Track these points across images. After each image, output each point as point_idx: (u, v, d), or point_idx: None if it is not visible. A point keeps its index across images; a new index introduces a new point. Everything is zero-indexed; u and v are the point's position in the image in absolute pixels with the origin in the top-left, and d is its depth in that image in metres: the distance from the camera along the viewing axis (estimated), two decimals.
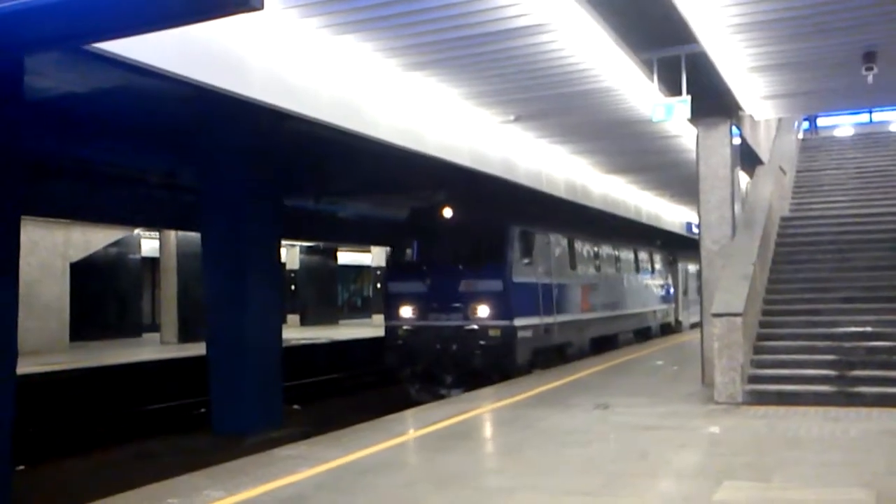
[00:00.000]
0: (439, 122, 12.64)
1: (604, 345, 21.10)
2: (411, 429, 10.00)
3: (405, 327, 16.58)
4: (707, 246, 13.98)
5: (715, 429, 9.78)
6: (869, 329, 12.34)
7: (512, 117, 13.57)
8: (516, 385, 14.21)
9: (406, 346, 16.55)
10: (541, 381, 14.68)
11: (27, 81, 7.83)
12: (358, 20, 9.01)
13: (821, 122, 27.36)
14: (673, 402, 11.82)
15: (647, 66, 11.23)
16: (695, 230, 20.41)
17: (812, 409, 10.74)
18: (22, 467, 12.18)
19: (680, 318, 30.17)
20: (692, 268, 30.52)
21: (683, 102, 11.36)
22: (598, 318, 20.91)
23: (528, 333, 16.39)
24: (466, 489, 7.11)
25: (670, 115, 11.53)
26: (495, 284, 15.98)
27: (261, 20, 8.64)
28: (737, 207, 14.36)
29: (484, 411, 11.37)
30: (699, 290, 30.22)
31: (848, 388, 11.27)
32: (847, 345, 12.05)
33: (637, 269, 25.24)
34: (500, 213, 17.00)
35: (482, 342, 15.80)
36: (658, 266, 28.01)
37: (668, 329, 28.58)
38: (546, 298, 17.35)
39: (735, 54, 11.24)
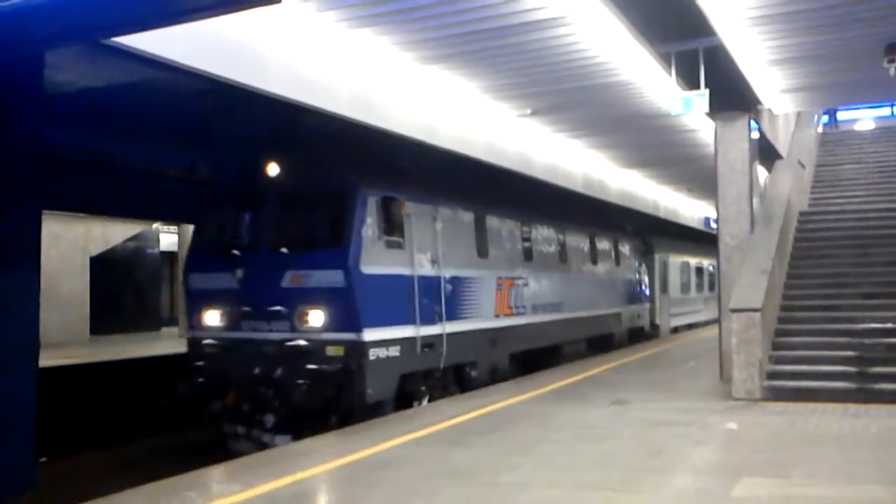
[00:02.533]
0: (456, 115, 12.63)
1: (537, 360, 16.08)
2: (427, 424, 10.00)
3: (209, 341, 11.65)
4: (725, 241, 13.90)
5: (733, 425, 9.72)
6: (890, 325, 12.23)
7: (529, 111, 13.52)
8: (531, 381, 14.18)
9: (209, 369, 11.48)
10: (556, 377, 14.65)
11: (47, 76, 7.85)
12: (375, 14, 9.00)
13: (841, 115, 27.12)
14: (690, 398, 11.77)
15: (665, 59, 11.15)
16: (713, 225, 20.30)
17: (831, 406, 10.65)
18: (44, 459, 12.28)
19: (657, 322, 24.88)
20: (676, 259, 27.25)
21: (702, 96, 11.28)
22: (525, 324, 15.59)
23: (392, 351, 11.23)
24: (482, 485, 7.10)
25: (688, 109, 11.45)
26: (333, 277, 10.77)
27: (278, 14, 8.65)
28: (755, 202, 14.26)
29: (499, 407, 11.35)
30: (686, 287, 28.18)
31: (868, 385, 11.18)
32: (867, 341, 11.95)
33: (594, 260, 19.85)
34: (352, 168, 11.76)
35: (313, 367, 10.66)
36: (627, 257, 22.77)
37: (639, 335, 23.16)
38: (428, 298, 12.18)
39: (754, 47, 11.15)
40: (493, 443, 8.87)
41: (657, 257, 25.06)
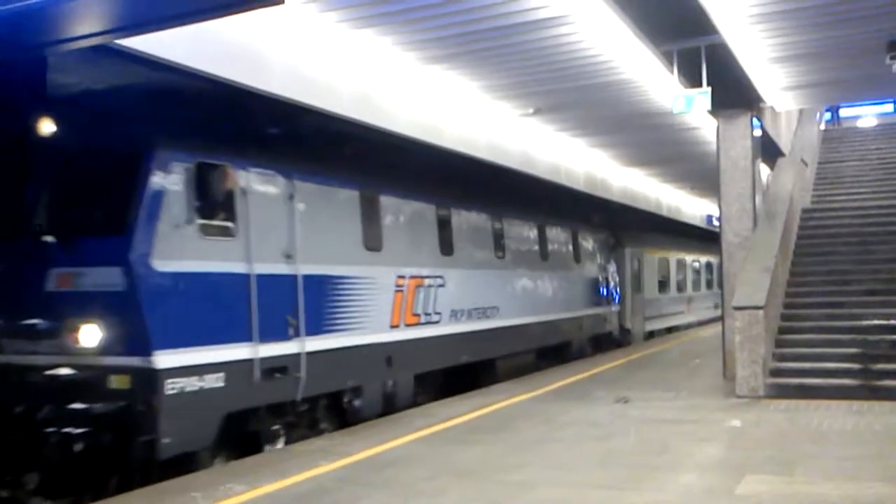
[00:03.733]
0: (458, 115, 12.62)
1: (460, 380, 13.11)
2: (432, 423, 10.02)
3: None
4: (728, 238, 13.90)
5: (737, 422, 9.73)
6: (893, 322, 12.23)
7: (531, 110, 13.51)
8: (536, 379, 14.19)
9: None
10: (560, 375, 14.66)
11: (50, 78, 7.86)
12: (377, 14, 9.00)
13: (843, 112, 27.07)
14: (694, 396, 11.77)
15: (668, 57, 11.15)
16: (715, 223, 20.22)
17: (835, 403, 10.66)
18: None
19: (628, 326, 21.93)
20: (652, 256, 24.31)
21: (704, 94, 11.27)
22: (439, 336, 12.40)
23: (210, 381, 8.21)
24: (488, 483, 7.12)
25: (691, 107, 11.45)
26: (110, 277, 7.78)
27: (281, 15, 8.66)
28: (758, 199, 14.26)
29: (504, 405, 11.36)
30: (665, 286, 25.35)
31: (872, 382, 11.18)
32: (871, 338, 11.95)
33: (544, 255, 16.79)
34: (153, 122, 8.76)
35: (80, 406, 7.74)
36: (589, 252, 19.64)
37: (606, 342, 20.29)
38: (276, 305, 9.05)
39: (755, 45, 11.14)
40: (498, 441, 8.88)
41: (628, 253, 22.18)
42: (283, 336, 9.11)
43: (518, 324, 15.12)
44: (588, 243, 19.71)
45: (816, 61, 12.11)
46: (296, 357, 9.24)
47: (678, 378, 13.93)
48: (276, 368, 8.96)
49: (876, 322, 12.31)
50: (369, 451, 8.43)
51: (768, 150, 16.25)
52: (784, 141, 17.35)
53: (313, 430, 9.71)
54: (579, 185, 18.06)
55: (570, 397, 11.95)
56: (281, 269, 9.20)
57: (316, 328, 9.63)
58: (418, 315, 11.96)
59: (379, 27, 9.38)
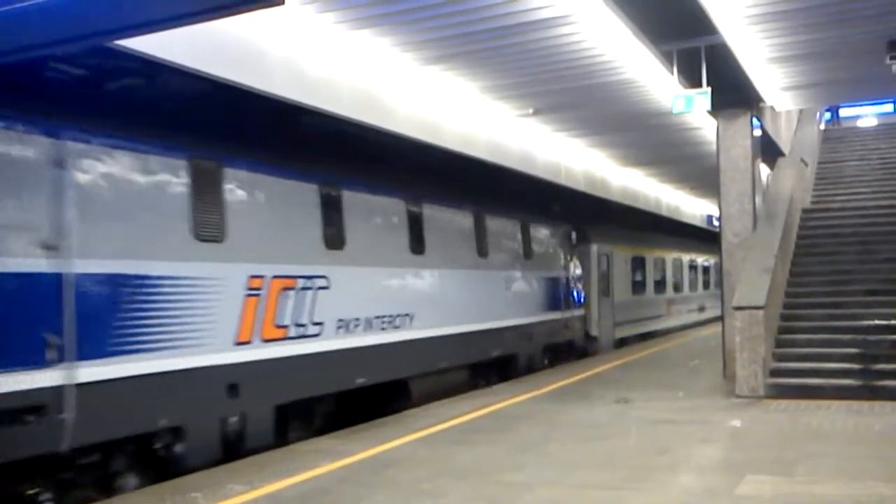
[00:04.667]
0: (457, 115, 12.61)
1: (353, 410, 10.64)
2: (432, 424, 10.01)
3: None
4: (728, 238, 13.90)
5: (737, 422, 9.73)
6: (894, 322, 12.21)
7: (531, 111, 13.51)
8: (536, 380, 14.19)
9: None
10: (561, 375, 14.66)
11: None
12: (373, 15, 9.00)
13: (843, 112, 27.08)
14: (694, 396, 11.77)
15: (667, 57, 11.15)
16: (715, 223, 20.17)
17: (835, 403, 10.65)
18: None
19: (594, 333, 19.37)
20: (625, 253, 21.92)
21: (704, 94, 11.28)
22: (316, 354, 9.77)
23: None
24: (488, 484, 7.11)
25: (691, 107, 11.46)
26: None
27: (279, 16, 8.66)
28: (758, 199, 14.26)
29: (504, 406, 11.36)
30: (641, 287, 22.91)
31: (872, 382, 11.17)
32: (871, 338, 11.94)
33: (481, 250, 14.11)
34: None
35: None
36: (545, 248, 17.09)
37: (565, 352, 17.66)
38: (22, 318, 6.60)
39: (755, 45, 11.14)
40: (498, 442, 8.88)
41: (595, 250, 19.64)
42: (33, 362, 6.47)
43: (441, 335, 12.44)
44: (543, 237, 16.99)
45: (816, 61, 12.11)
46: (57, 391, 6.62)
47: (678, 378, 13.93)
48: (21, 409, 6.40)
49: (876, 322, 12.30)
50: (369, 452, 8.43)
51: (768, 150, 16.26)
52: (784, 141, 17.36)
53: (108, 488, 7.32)
54: (579, 185, 18.04)
55: (570, 398, 11.95)
56: (33, 265, 6.60)
57: (100, 349, 7.06)
58: (284, 327, 9.22)
59: (375, 28, 9.38)
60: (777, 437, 8.84)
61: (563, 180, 17.04)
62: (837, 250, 14.85)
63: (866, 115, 27.16)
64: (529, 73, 11.37)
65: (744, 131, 13.85)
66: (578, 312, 18.54)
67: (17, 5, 4.33)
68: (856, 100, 22.24)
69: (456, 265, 13.28)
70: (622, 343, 21.07)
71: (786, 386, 11.41)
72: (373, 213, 11.21)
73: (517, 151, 14.77)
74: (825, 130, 23.92)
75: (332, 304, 10.05)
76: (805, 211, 16.78)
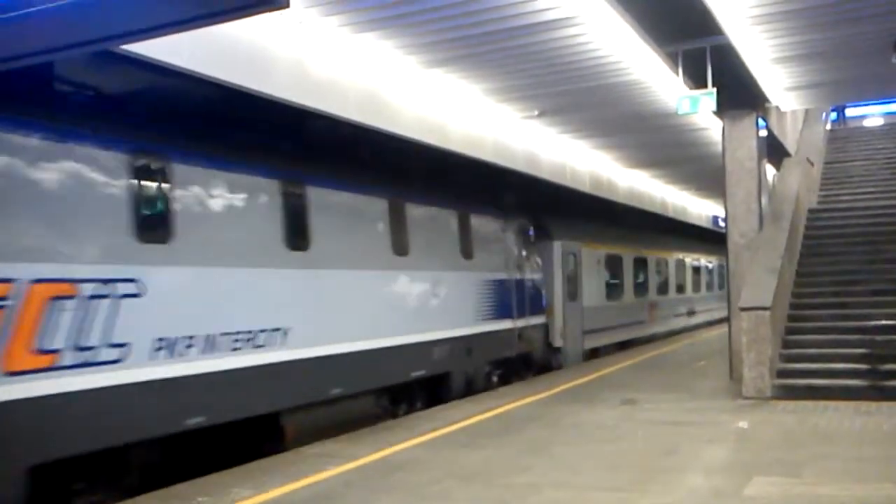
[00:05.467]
0: (463, 117, 12.61)
1: (211, 453, 8.42)
2: (439, 426, 10.01)
3: None
4: (734, 239, 13.86)
5: (744, 424, 9.70)
6: None
7: (536, 112, 13.50)
8: (542, 382, 14.18)
9: None
10: (567, 377, 14.63)
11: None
12: (377, 18, 8.99)
13: (849, 112, 26.99)
14: (701, 398, 11.74)
15: (673, 58, 11.13)
16: (721, 224, 20.08)
17: (843, 404, 10.62)
18: None
19: (557, 344, 16.78)
20: (597, 251, 19.21)
21: (709, 95, 11.26)
22: (113, 388, 7.16)
23: None
24: (494, 487, 7.10)
25: (696, 108, 11.43)
26: None
27: (283, 19, 8.67)
28: (764, 200, 14.23)
29: (510, 408, 11.35)
30: (617, 291, 20.04)
31: (880, 382, 11.14)
32: (878, 338, 11.90)
33: (400, 247, 11.57)
34: None
35: None
36: (491, 244, 14.36)
37: (520, 367, 15.24)
38: None
39: (760, 45, 11.12)
40: (504, 444, 8.87)
41: (559, 247, 17.12)
42: None
43: (332, 353, 9.84)
44: (489, 232, 14.31)
45: (821, 61, 12.08)
46: None
47: (684, 379, 13.90)
48: None
49: (883, 322, 12.26)
50: (376, 455, 8.42)
51: (774, 150, 16.22)
52: (790, 141, 17.32)
53: None
54: (585, 186, 18.01)
55: (576, 400, 11.93)
56: None
57: None
58: (54, 352, 6.67)
59: (379, 31, 9.38)
60: (784, 438, 8.82)
61: (568, 182, 17.02)
62: (844, 250, 14.81)
63: (872, 115, 27.08)
64: (535, 75, 11.37)
65: (749, 132, 13.82)
66: (537, 320, 15.81)
67: (22, 11, 4.35)
68: (861, 99, 22.16)
69: (358, 264, 10.55)
70: (594, 354, 18.37)
71: (793, 387, 11.38)
72: (224, 193, 8.50)
73: (522, 153, 14.76)
74: (831, 130, 23.86)
75: (147, 318, 7.44)
76: (811, 211, 16.74)
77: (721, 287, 30.52)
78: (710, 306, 30.00)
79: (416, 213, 12.06)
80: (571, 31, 9.52)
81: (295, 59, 9.07)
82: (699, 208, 29.12)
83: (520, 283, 15.24)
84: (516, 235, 15.45)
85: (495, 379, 14.19)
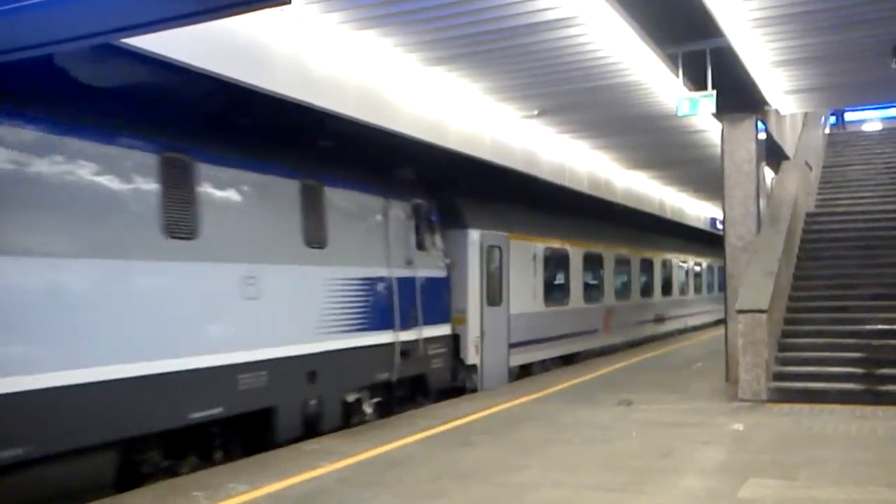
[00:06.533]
0: (462, 116, 12.60)
1: None
2: (435, 424, 10.01)
3: None
4: (732, 242, 13.88)
5: (739, 426, 9.71)
6: None
7: (535, 112, 13.50)
8: (539, 381, 14.18)
9: None
10: (564, 377, 14.64)
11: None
12: (377, 15, 8.99)
13: (848, 116, 27.06)
14: (697, 399, 11.75)
15: (673, 60, 11.14)
16: (719, 226, 20.05)
17: (839, 408, 10.64)
18: None
19: (472, 361, 13.38)
20: (532, 245, 15.83)
21: (709, 97, 11.26)
22: None
23: None
24: (490, 485, 7.11)
25: (696, 110, 11.44)
26: None
27: (283, 16, 8.66)
28: (762, 203, 14.24)
29: (507, 407, 11.35)
30: (561, 293, 16.52)
31: (876, 387, 11.16)
32: (875, 342, 11.92)
33: (178, 228, 7.94)
34: None
35: None
36: (361, 231, 11.00)
37: (416, 391, 12.09)
38: None
39: (760, 48, 11.14)
40: (500, 443, 8.87)
41: (475, 238, 13.61)
42: None
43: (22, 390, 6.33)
44: (359, 214, 10.90)
45: (821, 65, 12.10)
46: None
47: (680, 381, 13.91)
48: None
49: (880, 327, 12.28)
50: (371, 452, 8.42)
51: (773, 153, 16.24)
52: (788, 144, 17.34)
53: None
54: (583, 187, 17.98)
55: (572, 400, 11.94)
56: None
57: None
58: None
59: (379, 28, 9.38)
60: (780, 440, 8.83)
61: (566, 181, 17.00)
62: (841, 254, 14.83)
63: (871, 119, 27.13)
64: (534, 75, 11.37)
65: (748, 134, 13.84)
66: (438, 331, 12.40)
67: (21, 3, 4.34)
68: (861, 104, 22.22)
69: (91, 251, 7.05)
70: (525, 372, 15.34)
71: (789, 390, 11.39)
72: None
73: (521, 152, 14.76)
74: (830, 134, 23.89)
75: None
76: (809, 215, 16.76)
77: (698, 291, 29.27)
78: (684, 312, 27.28)
79: (213, 178, 8.41)
80: (572, 31, 9.52)
81: (295, 56, 9.07)
82: (697, 210, 29.14)
83: (408, 284, 11.64)
84: (408, 220, 11.91)
85: (369, 410, 10.66)
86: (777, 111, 15.19)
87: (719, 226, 18.90)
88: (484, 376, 13.66)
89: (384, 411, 11.04)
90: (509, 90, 12.16)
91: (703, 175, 20.51)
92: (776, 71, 12.34)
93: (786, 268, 13.51)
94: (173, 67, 7.62)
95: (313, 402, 9.62)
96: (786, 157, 17.17)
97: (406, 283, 11.67)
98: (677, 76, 11.30)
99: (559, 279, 17.41)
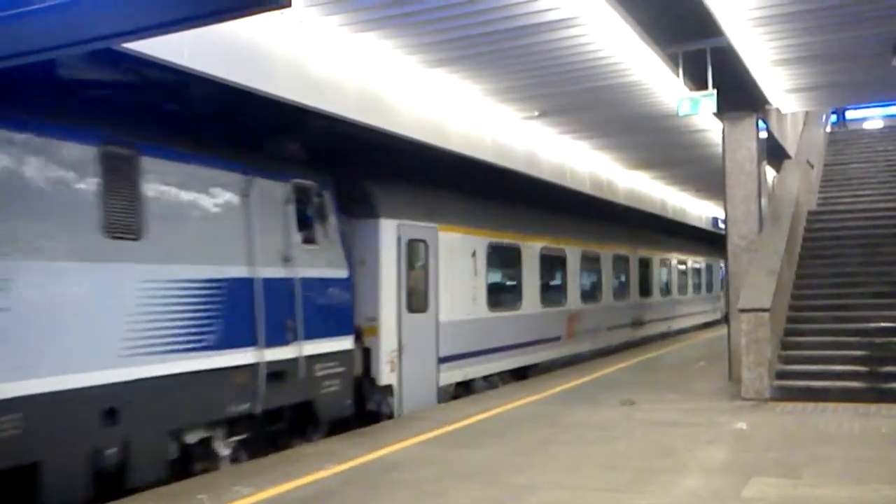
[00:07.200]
0: (462, 117, 12.61)
1: None
2: (437, 426, 10.01)
3: None
4: (734, 241, 13.88)
5: (742, 425, 9.70)
6: None
7: (536, 113, 13.51)
8: (541, 382, 14.17)
9: None
10: (566, 377, 14.63)
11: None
12: (377, 18, 9.00)
13: (849, 114, 27.04)
14: (699, 399, 11.75)
15: (673, 60, 11.13)
16: (721, 225, 20.05)
17: (842, 406, 10.63)
18: None
19: (386, 381, 11.06)
20: (467, 240, 13.23)
21: (709, 97, 11.26)
22: None
23: None
24: (492, 486, 7.11)
25: (696, 110, 11.44)
26: None
27: (283, 18, 8.68)
28: (763, 202, 14.24)
29: (509, 408, 11.35)
30: (512, 294, 14.61)
31: (879, 385, 11.15)
32: (877, 340, 11.91)
33: None
34: None
35: None
36: (190, 215, 8.14)
37: (303, 423, 9.57)
38: None
39: (760, 47, 11.14)
40: (502, 444, 8.87)
41: (389, 230, 11.25)
42: None
43: None
44: (199, 196, 8.32)
45: (821, 63, 12.09)
46: None
47: (683, 381, 13.90)
48: None
49: (883, 325, 12.27)
50: (374, 454, 8.43)
51: (774, 152, 16.23)
52: (790, 143, 17.33)
53: None
54: (585, 187, 17.95)
55: (574, 400, 11.94)
56: None
57: None
58: None
59: (379, 31, 9.38)
60: (783, 439, 8.82)
61: (568, 182, 16.98)
62: (844, 252, 14.82)
63: (872, 118, 27.12)
64: (535, 76, 11.37)
65: (749, 133, 13.84)
66: (335, 345, 9.88)
67: (23, 8, 4.36)
68: (862, 102, 22.20)
69: None
70: (465, 389, 13.01)
71: (792, 388, 11.39)
72: None
73: (522, 153, 14.76)
74: (831, 133, 23.88)
75: None
76: (811, 213, 16.75)
77: (682, 291, 27.07)
78: (667, 314, 24.93)
79: None
80: (572, 31, 9.53)
81: (295, 58, 9.08)
82: (699, 210, 29.11)
83: (283, 287, 9.11)
84: (287, 205, 9.42)
85: (224, 452, 8.39)
86: (778, 110, 15.19)
87: (721, 225, 18.84)
88: (403, 398, 11.29)
89: (255, 450, 8.75)
90: (510, 91, 12.17)
91: (705, 174, 20.51)
92: (777, 70, 12.33)
93: (788, 266, 13.50)
94: None
95: (111, 450, 7.03)
96: (787, 156, 17.17)
97: (279, 287, 9.04)
98: (678, 76, 11.30)
99: (509, 279, 15.35)
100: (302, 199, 9.69)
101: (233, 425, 8.51)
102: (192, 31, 6.26)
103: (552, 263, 16.87)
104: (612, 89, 12.13)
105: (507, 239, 14.91)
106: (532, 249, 15.80)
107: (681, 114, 11.71)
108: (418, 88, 11.31)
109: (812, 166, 18.52)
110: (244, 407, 8.49)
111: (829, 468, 7.42)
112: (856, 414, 10.09)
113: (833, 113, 25.06)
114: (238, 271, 8.56)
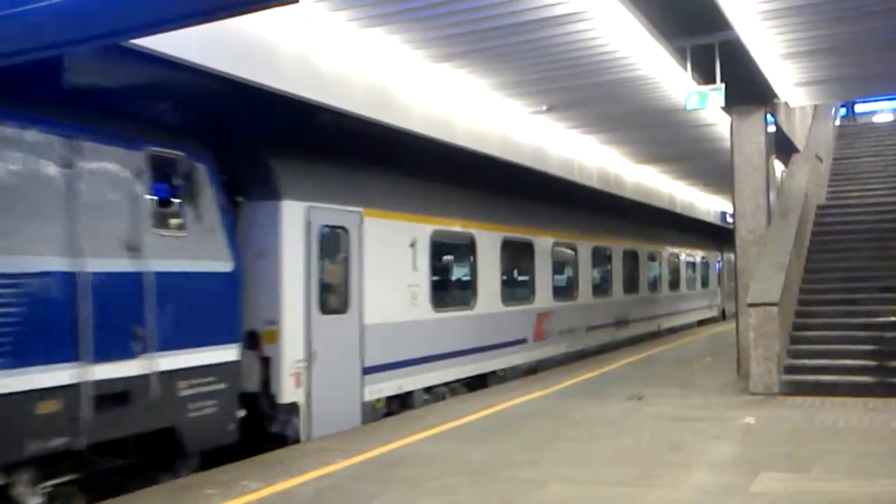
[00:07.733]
0: (470, 112, 12.59)
1: None
2: (445, 421, 10.02)
3: None
4: (742, 235, 13.84)
5: (751, 419, 9.69)
6: None
7: (544, 108, 13.48)
8: (549, 377, 14.17)
9: None
10: (574, 372, 14.62)
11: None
12: (385, 13, 9.00)
13: (858, 108, 26.90)
14: (708, 393, 11.74)
15: (681, 54, 11.10)
16: (729, 220, 19.94)
17: (851, 400, 10.60)
18: None
19: (290, 399, 8.99)
20: (402, 227, 11.23)
21: (718, 90, 11.23)
22: None
23: None
24: (500, 481, 7.12)
25: (705, 104, 11.41)
26: None
27: (291, 14, 8.68)
28: (772, 196, 14.20)
29: (516, 403, 11.35)
30: (465, 293, 12.91)
31: (888, 379, 11.11)
32: (887, 335, 11.87)
33: None
34: None
35: None
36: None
37: (150, 459, 7.64)
38: None
39: (768, 41, 11.09)
40: (510, 439, 8.88)
41: (297, 216, 9.29)
42: None
43: None
44: (13, 161, 6.33)
45: (830, 57, 12.03)
46: None
47: (691, 375, 13.89)
48: None
49: (892, 319, 12.22)
50: (382, 449, 8.45)
51: (782, 146, 16.17)
52: (798, 137, 17.26)
53: None
54: (593, 182, 17.91)
55: (582, 395, 11.93)
56: None
57: None
58: None
59: (386, 26, 9.38)
60: (792, 434, 8.81)
61: (576, 177, 16.94)
62: (852, 247, 14.76)
63: (882, 111, 26.99)
64: (543, 70, 11.34)
65: (758, 127, 13.79)
66: (210, 357, 7.91)
67: (30, 6, 4.37)
68: (871, 95, 22.10)
69: None
70: (401, 405, 11.12)
71: (800, 383, 11.36)
72: None
73: (529, 148, 14.73)
74: (840, 126, 23.76)
75: None
76: (820, 207, 16.69)
77: (674, 287, 25.25)
78: (658, 312, 23.14)
79: None
80: (580, 26, 9.50)
81: (303, 54, 9.09)
82: (707, 204, 29.02)
83: (124, 283, 7.10)
84: (135, 180, 7.36)
85: (33, 502, 6.47)
86: (786, 104, 15.12)
87: (729, 219, 18.74)
88: (313, 418, 9.28)
89: (93, 495, 6.91)
90: (518, 86, 12.15)
91: (713, 169, 20.43)
92: (785, 63, 12.28)
93: (797, 261, 13.46)
94: None
95: None
96: (796, 150, 17.09)
97: (120, 284, 7.04)
98: (686, 70, 11.26)
99: (460, 274, 13.50)
100: (163, 173, 7.63)
101: (50, 466, 6.54)
102: (200, 27, 6.27)
103: (517, 255, 14.79)
104: (619, 83, 12.09)
105: (456, 227, 12.73)
106: (490, 239, 13.64)
107: (689, 108, 11.68)
108: (426, 83, 11.30)
109: (821, 160, 18.45)
110: (58, 442, 6.40)
111: (838, 463, 7.41)
112: (865, 408, 10.06)
113: (842, 106, 24.93)
114: (50, 263, 6.45)
